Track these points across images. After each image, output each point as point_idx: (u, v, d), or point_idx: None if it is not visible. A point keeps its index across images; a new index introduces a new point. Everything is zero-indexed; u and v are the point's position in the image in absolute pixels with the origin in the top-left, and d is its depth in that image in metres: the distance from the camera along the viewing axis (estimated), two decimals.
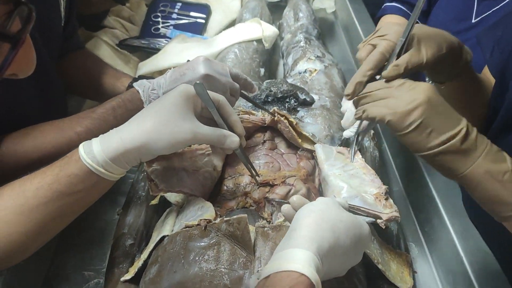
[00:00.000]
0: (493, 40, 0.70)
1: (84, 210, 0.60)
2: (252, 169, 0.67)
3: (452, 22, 0.92)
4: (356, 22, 1.30)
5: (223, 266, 0.55)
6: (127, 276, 0.65)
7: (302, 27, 1.15)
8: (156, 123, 0.56)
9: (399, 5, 1.07)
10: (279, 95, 0.84)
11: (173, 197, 0.70)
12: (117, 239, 0.72)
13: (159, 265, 0.59)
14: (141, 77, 0.84)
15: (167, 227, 0.65)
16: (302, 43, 1.07)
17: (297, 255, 0.43)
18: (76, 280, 0.73)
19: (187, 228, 0.61)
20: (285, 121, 0.74)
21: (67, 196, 0.55)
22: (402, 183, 0.92)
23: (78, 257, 0.77)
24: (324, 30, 1.35)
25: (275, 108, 0.76)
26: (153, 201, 0.73)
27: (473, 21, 0.88)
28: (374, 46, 0.57)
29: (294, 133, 0.74)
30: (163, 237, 0.63)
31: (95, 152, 0.55)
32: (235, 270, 0.55)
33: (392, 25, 0.57)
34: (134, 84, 0.74)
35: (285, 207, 0.55)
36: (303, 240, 0.45)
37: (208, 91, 0.60)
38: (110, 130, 0.57)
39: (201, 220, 0.60)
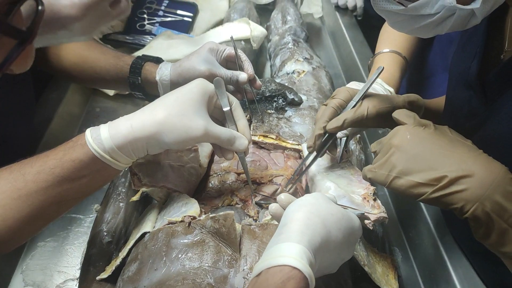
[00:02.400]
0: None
1: (85, 197, 0.58)
2: (249, 176, 0.65)
3: None
4: (343, 28, 1.31)
5: (207, 264, 0.53)
6: (104, 275, 0.62)
7: (291, 29, 1.14)
8: (170, 115, 0.54)
9: None
10: (267, 94, 0.82)
11: (155, 193, 0.67)
12: (94, 236, 0.69)
13: (139, 262, 0.56)
14: (145, 56, 0.81)
15: (149, 223, 0.62)
16: (290, 45, 1.07)
17: (288, 249, 0.42)
18: (49, 278, 0.70)
19: (170, 225, 0.58)
20: (266, 140, 0.74)
21: (69, 182, 0.53)
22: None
23: (51, 254, 0.74)
24: (311, 35, 1.34)
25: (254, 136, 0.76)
26: (134, 197, 0.71)
27: None
28: (327, 105, 0.63)
29: (278, 143, 0.74)
30: (144, 233, 0.60)
31: (102, 138, 0.52)
32: (219, 268, 0.52)
33: (341, 89, 0.65)
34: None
35: (272, 206, 0.53)
36: (294, 234, 0.43)
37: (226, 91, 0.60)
38: (120, 117, 0.55)
39: (185, 216, 0.58)
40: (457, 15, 0.52)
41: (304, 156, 0.71)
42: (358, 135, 0.88)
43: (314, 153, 0.64)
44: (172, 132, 0.54)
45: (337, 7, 1.40)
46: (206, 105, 0.58)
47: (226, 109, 0.60)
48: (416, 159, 0.50)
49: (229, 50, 0.77)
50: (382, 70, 0.65)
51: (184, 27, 1.27)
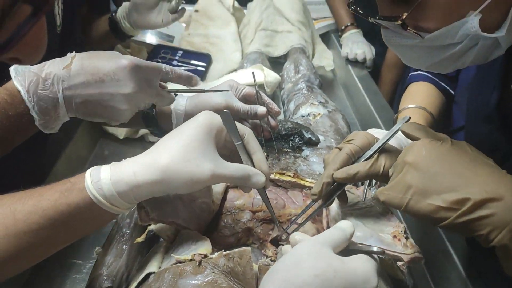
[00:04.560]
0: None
1: (76, 239, 0.53)
2: (273, 212, 0.59)
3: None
4: (356, 79, 1.32)
5: None
6: None
7: (304, 76, 1.14)
8: (173, 161, 0.49)
9: (424, 73, 0.99)
10: (283, 133, 0.79)
11: (163, 231, 0.61)
12: (93, 281, 0.62)
13: None
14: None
15: (154, 263, 0.56)
16: (304, 90, 1.06)
17: None
18: None
19: (178, 264, 0.52)
20: (283, 178, 0.69)
21: (62, 225, 0.48)
22: (410, 230, 0.84)
23: None
24: (323, 87, 1.35)
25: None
26: (139, 238, 0.65)
27: None
28: (341, 149, 0.56)
29: (296, 181, 0.69)
30: (148, 274, 0.54)
31: (103, 183, 0.48)
32: None
33: (359, 132, 0.58)
34: (14, 79, 0.56)
35: (286, 248, 0.47)
36: None
37: (235, 122, 0.54)
38: (123, 160, 0.52)
39: (195, 254, 0.52)
40: (480, 45, 0.48)
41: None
42: None
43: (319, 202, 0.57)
44: (177, 179, 0.49)
45: (348, 60, 1.43)
46: (214, 141, 0.52)
47: (237, 143, 0.54)
48: (434, 179, 0.44)
49: (249, 89, 0.75)
50: (409, 119, 0.56)
51: (198, 76, 1.28)
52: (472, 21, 0.45)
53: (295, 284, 0.37)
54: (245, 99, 0.77)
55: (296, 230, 0.57)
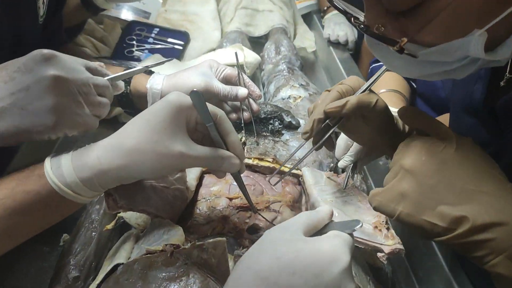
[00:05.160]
0: None
1: (40, 231, 0.50)
2: (249, 198, 0.56)
3: None
4: (338, 62, 1.28)
5: None
6: None
7: (285, 57, 1.11)
8: (140, 143, 0.46)
9: None
10: (262, 116, 0.76)
11: (133, 218, 0.58)
12: (59, 270, 0.59)
13: None
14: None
15: (123, 253, 0.53)
16: (285, 72, 1.02)
17: None
18: None
19: (148, 255, 0.49)
20: (262, 164, 0.66)
21: (21, 215, 0.45)
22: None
23: None
24: (304, 69, 1.32)
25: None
26: (109, 225, 0.61)
27: None
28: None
29: (275, 167, 0.67)
30: (117, 265, 0.51)
31: (64, 170, 0.45)
32: None
33: (354, 77, 0.55)
34: None
35: None
36: None
37: (206, 103, 0.50)
38: (86, 145, 0.47)
39: (166, 245, 0.49)
40: (479, 64, 0.41)
41: (305, 179, 0.64)
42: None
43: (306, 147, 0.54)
44: (144, 162, 0.46)
45: (329, 41, 1.40)
46: (185, 122, 0.49)
47: (209, 124, 0.50)
48: (431, 191, 0.40)
49: (230, 70, 0.71)
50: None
51: (175, 55, 1.22)
52: (477, 42, 0.37)
53: (255, 269, 0.35)
54: (226, 80, 0.73)
55: (283, 177, 0.57)
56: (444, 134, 0.43)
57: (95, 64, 0.54)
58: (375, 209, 0.44)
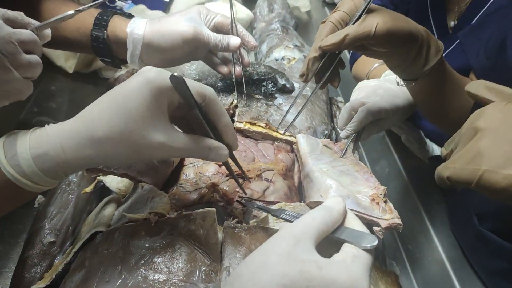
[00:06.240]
0: (478, 42, 0.63)
1: None
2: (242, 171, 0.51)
3: None
4: None
5: (176, 277, 0.41)
6: (41, 284, 0.48)
7: (279, 15, 1.04)
8: (113, 130, 0.38)
9: None
10: (255, 77, 0.71)
11: (114, 183, 0.54)
12: (33, 235, 0.55)
13: (86, 271, 0.43)
14: (116, 11, 0.64)
15: (103, 220, 0.49)
16: (278, 31, 0.96)
17: None
18: None
19: (130, 223, 0.45)
20: (254, 129, 0.61)
21: None
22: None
23: None
24: (298, 29, 1.26)
25: (235, 118, 0.64)
26: (87, 188, 0.57)
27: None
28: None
29: (268, 132, 0.62)
30: (96, 233, 0.47)
31: (20, 158, 0.38)
32: (194, 283, 0.40)
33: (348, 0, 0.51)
34: None
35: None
36: None
37: (191, 84, 0.41)
38: (46, 126, 0.40)
39: (150, 213, 0.45)
40: None
41: (300, 147, 0.60)
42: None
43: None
44: (118, 154, 0.40)
45: (325, 1, 1.34)
46: (166, 106, 0.41)
47: (194, 111, 0.42)
48: None
49: (221, 18, 0.64)
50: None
51: (161, 7, 1.14)
52: None
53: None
54: (217, 29, 0.65)
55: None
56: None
57: (14, 13, 0.44)
58: (449, 179, 0.39)
